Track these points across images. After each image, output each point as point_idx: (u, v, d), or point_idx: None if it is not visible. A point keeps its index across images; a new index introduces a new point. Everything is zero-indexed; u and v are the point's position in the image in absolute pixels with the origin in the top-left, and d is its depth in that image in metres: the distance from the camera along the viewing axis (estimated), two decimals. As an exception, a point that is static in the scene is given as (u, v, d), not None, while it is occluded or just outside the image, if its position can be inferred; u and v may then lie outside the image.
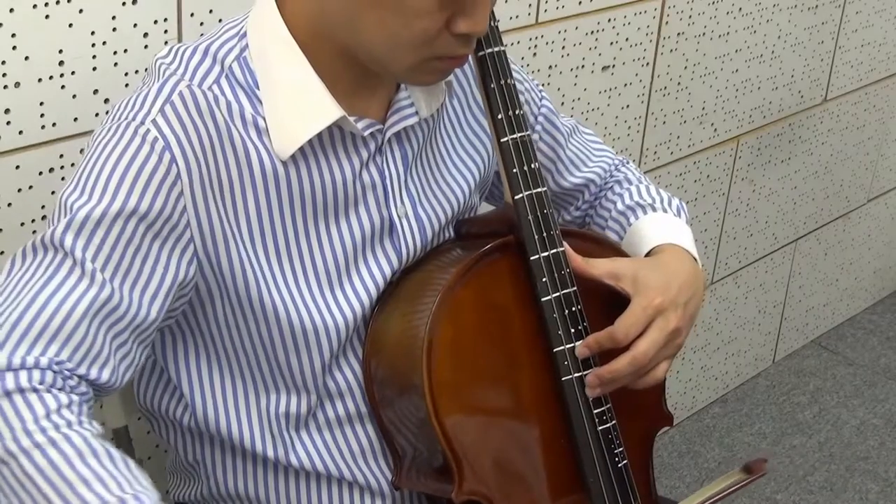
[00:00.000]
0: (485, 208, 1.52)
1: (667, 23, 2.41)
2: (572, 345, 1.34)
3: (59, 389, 1.13)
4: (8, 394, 1.10)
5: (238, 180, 1.25)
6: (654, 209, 1.51)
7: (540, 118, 1.52)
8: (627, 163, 1.61)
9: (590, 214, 1.58)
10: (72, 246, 1.17)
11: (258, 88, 1.26)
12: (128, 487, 1.08)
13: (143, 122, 1.21)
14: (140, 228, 1.19)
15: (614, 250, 1.46)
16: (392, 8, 1.18)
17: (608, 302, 1.37)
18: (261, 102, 1.26)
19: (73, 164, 1.60)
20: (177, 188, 1.21)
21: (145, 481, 1.11)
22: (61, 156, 1.59)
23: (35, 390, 1.11)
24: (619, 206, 1.53)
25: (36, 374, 1.12)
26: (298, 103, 1.26)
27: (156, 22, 1.61)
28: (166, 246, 1.21)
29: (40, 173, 1.58)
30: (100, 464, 1.09)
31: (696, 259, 1.46)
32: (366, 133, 1.30)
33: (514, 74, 1.47)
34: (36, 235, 1.20)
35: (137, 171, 1.19)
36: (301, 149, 1.27)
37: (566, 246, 1.35)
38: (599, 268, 1.37)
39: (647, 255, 1.45)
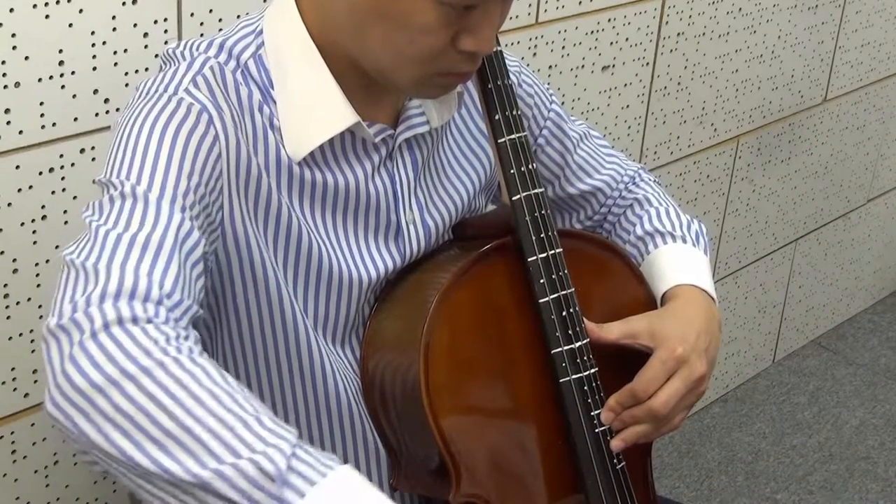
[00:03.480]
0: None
1: (667, 23, 2.41)
2: (570, 346, 1.34)
3: (174, 327, 1.06)
4: (121, 321, 1.03)
5: (254, 158, 1.24)
6: (673, 238, 1.50)
7: (548, 122, 1.51)
8: (641, 175, 1.59)
9: (605, 229, 1.58)
10: (143, 192, 1.13)
11: (272, 88, 1.26)
12: (261, 408, 1.02)
13: (176, 92, 1.20)
14: (192, 184, 1.16)
15: (614, 251, 1.46)
16: (397, 23, 1.18)
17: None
18: (274, 102, 1.26)
19: (73, 164, 1.60)
20: (216, 150, 1.19)
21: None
22: (61, 156, 1.59)
23: (150, 321, 1.04)
24: (638, 230, 1.52)
25: (150, 308, 1.05)
26: (314, 106, 1.26)
27: (156, 22, 1.61)
28: (204, 210, 1.19)
29: (40, 173, 1.58)
30: (228, 384, 1.02)
31: (713, 298, 1.45)
32: (377, 139, 1.30)
33: (524, 78, 1.47)
34: (97, 199, 1.16)
35: (177, 128, 1.17)
36: (312, 152, 1.27)
37: (587, 321, 1.35)
38: (614, 331, 1.37)
39: (663, 296, 1.45)
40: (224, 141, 1.20)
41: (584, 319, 1.36)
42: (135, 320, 1.04)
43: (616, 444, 1.36)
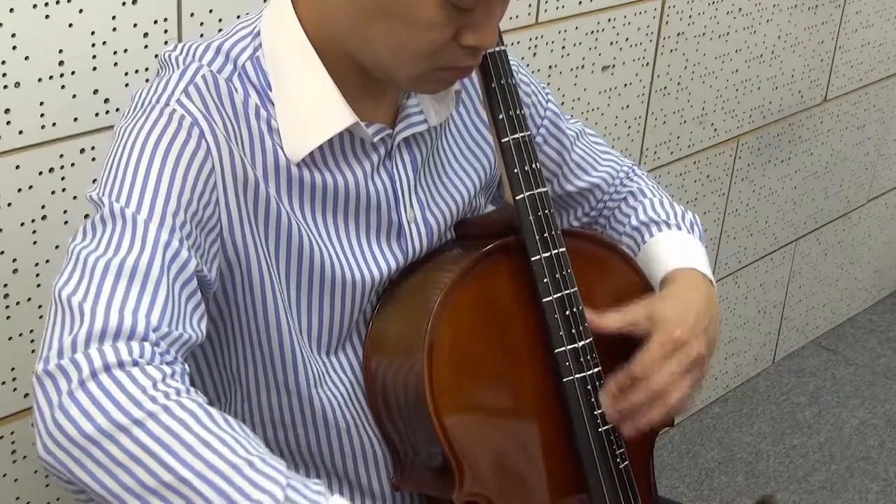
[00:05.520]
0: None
1: (667, 23, 2.40)
2: (573, 345, 1.34)
3: (160, 363, 1.07)
4: (107, 368, 1.04)
5: (251, 167, 1.24)
6: (668, 226, 1.50)
7: (545, 121, 1.51)
8: (636, 170, 1.60)
9: (601, 224, 1.58)
10: (131, 214, 1.14)
11: (270, 90, 1.25)
12: (252, 449, 1.04)
13: (167, 104, 1.20)
14: (182, 202, 1.16)
15: (617, 251, 1.46)
16: (400, 19, 1.18)
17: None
18: (272, 104, 1.25)
19: (73, 164, 1.60)
20: (208, 165, 1.19)
21: (263, 445, 1.07)
22: (61, 156, 1.59)
23: (136, 363, 1.05)
24: (633, 221, 1.52)
25: (136, 347, 1.06)
26: (312, 107, 1.26)
27: (156, 22, 1.61)
28: (200, 226, 1.19)
29: (40, 173, 1.58)
30: (218, 427, 1.04)
31: (711, 281, 1.45)
32: (375, 139, 1.30)
33: (521, 76, 1.47)
34: (86, 221, 1.17)
35: (168, 145, 1.17)
36: (311, 153, 1.27)
37: (587, 311, 1.35)
38: (614, 320, 1.37)
39: (661, 281, 1.45)
40: (216, 153, 1.20)
41: (588, 311, 1.35)
42: (121, 365, 1.05)
43: (627, 430, 1.34)
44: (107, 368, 1.05)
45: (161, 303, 1.11)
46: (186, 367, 1.11)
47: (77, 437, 1.02)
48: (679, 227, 1.50)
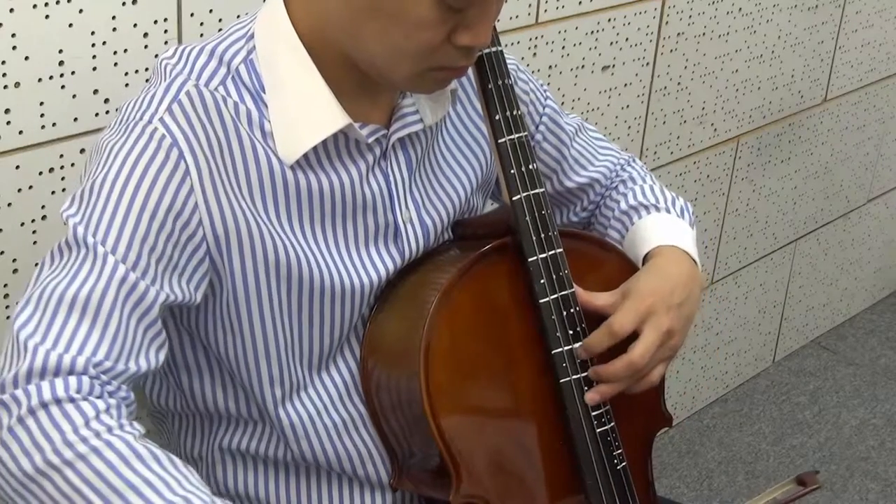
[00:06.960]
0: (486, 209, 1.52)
1: (667, 23, 2.41)
2: (571, 346, 1.34)
3: (97, 396, 1.11)
4: (45, 405, 1.09)
5: (245, 178, 1.24)
6: (657, 209, 1.51)
7: (544, 118, 1.52)
8: (634, 161, 1.60)
9: (595, 214, 1.58)
10: (93, 243, 1.16)
11: (264, 92, 1.26)
12: (178, 489, 1.08)
13: (150, 121, 1.20)
14: (153, 226, 1.18)
15: (615, 252, 1.46)
16: (394, 18, 1.18)
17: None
18: (266, 106, 1.25)
19: (73, 165, 1.60)
20: (186, 185, 1.20)
21: (195, 479, 1.10)
22: (61, 156, 1.59)
23: (72, 400, 1.10)
24: (623, 205, 1.53)
25: (73, 382, 1.10)
26: (305, 109, 1.26)
27: (156, 22, 1.61)
28: (179, 248, 1.20)
29: (40, 173, 1.58)
30: (146, 467, 1.08)
31: (695, 261, 1.46)
32: (370, 140, 1.30)
33: (519, 74, 1.47)
34: (55, 242, 1.20)
35: (144, 168, 1.19)
36: (305, 154, 1.27)
37: (577, 288, 1.35)
38: (601, 298, 1.38)
39: (645, 257, 1.45)
40: (196, 174, 1.21)
41: (575, 286, 1.35)
42: (58, 402, 1.09)
43: (591, 396, 1.35)
44: (44, 405, 1.09)
45: (110, 337, 1.14)
46: (131, 395, 1.15)
47: (17, 472, 1.08)
48: (668, 212, 1.51)
